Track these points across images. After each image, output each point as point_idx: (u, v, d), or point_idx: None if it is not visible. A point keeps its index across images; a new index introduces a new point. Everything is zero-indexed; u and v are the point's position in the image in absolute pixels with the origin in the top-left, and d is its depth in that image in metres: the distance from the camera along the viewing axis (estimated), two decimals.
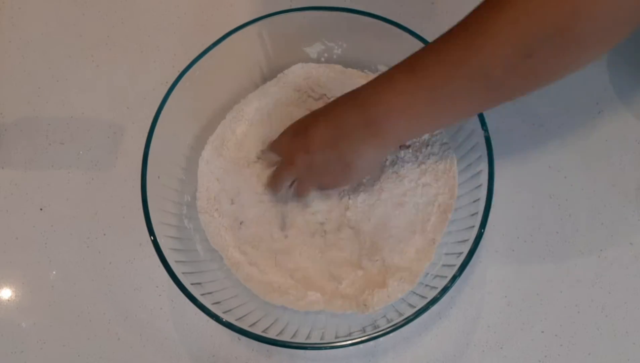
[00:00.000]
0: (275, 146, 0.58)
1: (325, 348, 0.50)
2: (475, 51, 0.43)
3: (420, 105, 0.47)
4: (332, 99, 0.55)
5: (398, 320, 0.49)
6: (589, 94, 0.62)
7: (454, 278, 0.49)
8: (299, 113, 0.58)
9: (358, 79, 0.62)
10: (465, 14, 0.44)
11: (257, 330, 0.50)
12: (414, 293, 0.53)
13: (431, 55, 0.46)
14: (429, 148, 0.58)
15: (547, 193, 0.59)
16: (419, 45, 0.54)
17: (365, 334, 0.49)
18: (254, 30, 0.58)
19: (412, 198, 0.57)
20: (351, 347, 0.55)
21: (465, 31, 0.44)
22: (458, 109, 0.48)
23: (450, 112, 0.49)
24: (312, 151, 0.53)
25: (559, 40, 0.39)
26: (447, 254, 0.54)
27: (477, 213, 0.51)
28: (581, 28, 0.38)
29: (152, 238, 0.51)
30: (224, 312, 0.50)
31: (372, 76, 0.62)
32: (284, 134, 0.57)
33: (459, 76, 0.44)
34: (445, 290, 0.49)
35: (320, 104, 0.60)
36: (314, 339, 0.52)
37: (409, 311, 0.49)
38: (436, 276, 0.52)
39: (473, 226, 0.51)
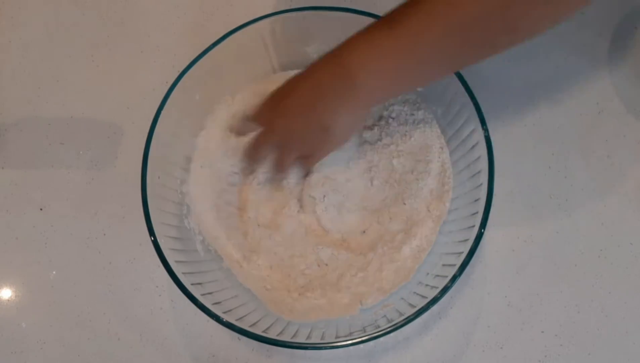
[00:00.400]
0: (256, 114, 0.55)
1: (326, 348, 0.50)
2: (455, 6, 0.43)
3: (396, 59, 0.46)
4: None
5: (398, 319, 0.49)
6: (589, 94, 0.62)
7: (454, 278, 0.49)
8: None
9: None
10: None
11: (257, 330, 0.50)
12: (414, 293, 0.53)
13: (409, 10, 0.46)
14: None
15: (547, 193, 0.59)
16: None
17: (365, 334, 0.49)
18: (254, 30, 0.58)
19: (409, 199, 0.57)
20: (351, 347, 0.54)
21: None
22: (435, 66, 0.48)
23: (427, 69, 0.48)
24: (291, 116, 0.52)
25: None
26: (447, 254, 0.54)
27: (477, 212, 0.51)
28: None
29: (152, 238, 0.51)
30: (224, 312, 0.50)
31: None
32: (264, 103, 0.55)
33: (438, 30, 0.44)
34: (445, 289, 0.49)
35: None
36: (315, 339, 0.52)
37: (409, 311, 0.49)
38: (436, 276, 0.53)
39: (473, 226, 0.51)
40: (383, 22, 0.47)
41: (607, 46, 0.63)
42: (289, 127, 0.52)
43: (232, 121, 0.59)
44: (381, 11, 0.56)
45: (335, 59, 0.49)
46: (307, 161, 0.56)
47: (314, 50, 0.62)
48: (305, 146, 0.54)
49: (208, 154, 0.59)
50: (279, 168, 0.56)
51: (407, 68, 0.47)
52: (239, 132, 0.58)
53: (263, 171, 0.58)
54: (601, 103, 0.61)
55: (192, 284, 0.51)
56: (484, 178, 0.52)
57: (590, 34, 0.64)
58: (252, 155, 0.56)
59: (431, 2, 0.44)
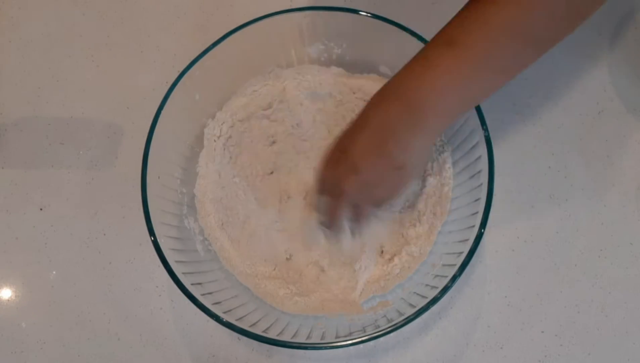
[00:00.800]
0: (320, 185, 0.52)
1: (326, 348, 0.50)
2: (519, 9, 0.41)
3: (465, 80, 0.44)
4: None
5: (398, 319, 0.49)
6: (589, 94, 0.62)
7: (454, 278, 0.49)
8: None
9: (341, 78, 0.62)
10: None
11: (257, 330, 0.50)
12: (414, 292, 0.53)
13: (470, 23, 0.43)
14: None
15: (547, 193, 0.59)
16: (420, 45, 0.54)
17: (365, 334, 0.49)
18: (253, 30, 0.58)
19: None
20: (351, 347, 0.55)
21: None
22: (504, 74, 0.46)
23: (496, 79, 0.46)
24: (359, 169, 0.48)
25: None
26: (447, 254, 0.54)
27: (477, 212, 0.51)
28: None
29: (152, 238, 0.51)
30: (224, 312, 0.50)
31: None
32: (323, 168, 0.51)
33: (504, 38, 0.42)
34: (445, 289, 0.49)
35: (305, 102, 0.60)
36: (315, 339, 0.52)
37: (409, 311, 0.49)
38: (436, 275, 0.53)
39: (473, 226, 0.51)
40: (440, 43, 0.45)
41: (607, 45, 0.63)
42: (360, 181, 0.48)
43: (308, 201, 0.57)
44: (381, 11, 0.57)
45: (396, 97, 0.46)
46: (379, 206, 0.52)
47: (315, 50, 0.62)
48: (382, 191, 0.50)
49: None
50: (362, 220, 0.53)
51: (475, 87, 0.46)
52: (322, 209, 0.54)
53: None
54: (601, 103, 0.61)
55: (192, 284, 0.51)
56: (484, 178, 0.52)
57: (591, 33, 0.64)
58: (332, 224, 0.53)
59: (490, 13, 0.42)
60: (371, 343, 0.55)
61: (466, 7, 0.44)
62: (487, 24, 0.43)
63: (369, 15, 0.57)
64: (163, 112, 0.55)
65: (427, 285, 0.52)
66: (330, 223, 0.53)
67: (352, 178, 0.48)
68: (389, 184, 0.49)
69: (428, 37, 0.54)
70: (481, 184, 0.52)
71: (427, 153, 0.50)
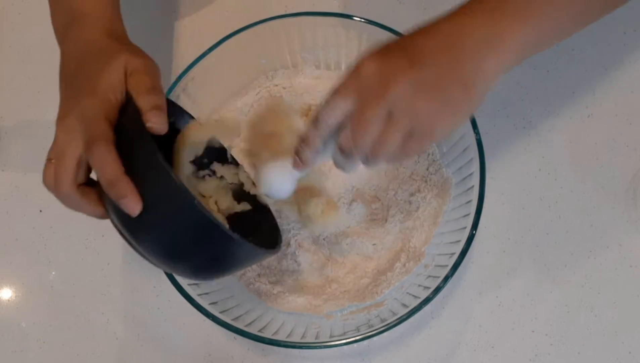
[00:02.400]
0: (352, 80, 0.39)
1: (320, 347, 0.50)
2: None
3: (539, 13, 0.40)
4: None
5: (391, 319, 0.50)
6: (578, 97, 0.62)
7: (446, 279, 0.50)
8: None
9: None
10: None
11: (253, 330, 0.51)
12: (407, 293, 0.53)
13: None
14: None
15: (537, 195, 0.59)
16: None
17: (359, 333, 0.50)
18: (249, 35, 0.59)
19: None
20: (345, 347, 0.55)
21: None
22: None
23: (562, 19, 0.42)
24: (422, 64, 0.37)
25: None
26: (439, 254, 0.55)
27: (469, 214, 0.52)
28: None
29: None
30: (220, 312, 0.51)
31: None
32: (367, 59, 0.39)
33: None
34: (437, 290, 0.50)
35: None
36: (309, 339, 0.52)
37: (402, 311, 0.50)
38: (429, 276, 0.53)
39: (465, 228, 0.52)
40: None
41: (596, 50, 0.64)
42: (417, 76, 0.37)
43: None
44: (375, 16, 0.57)
45: (477, 10, 0.39)
46: (417, 142, 0.40)
47: (311, 55, 0.63)
48: (435, 108, 0.38)
49: None
50: (383, 148, 0.39)
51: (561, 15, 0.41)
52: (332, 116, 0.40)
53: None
54: (590, 107, 0.62)
55: (189, 284, 0.52)
56: (475, 181, 0.52)
57: (580, 38, 0.64)
58: (360, 135, 0.39)
59: None
60: (365, 342, 0.55)
61: None
62: None
63: (362, 20, 0.57)
64: None
65: (419, 286, 0.53)
66: (356, 130, 0.39)
67: (407, 70, 0.37)
68: (451, 103, 0.39)
69: None
70: (473, 186, 0.53)
71: (492, 84, 0.40)
